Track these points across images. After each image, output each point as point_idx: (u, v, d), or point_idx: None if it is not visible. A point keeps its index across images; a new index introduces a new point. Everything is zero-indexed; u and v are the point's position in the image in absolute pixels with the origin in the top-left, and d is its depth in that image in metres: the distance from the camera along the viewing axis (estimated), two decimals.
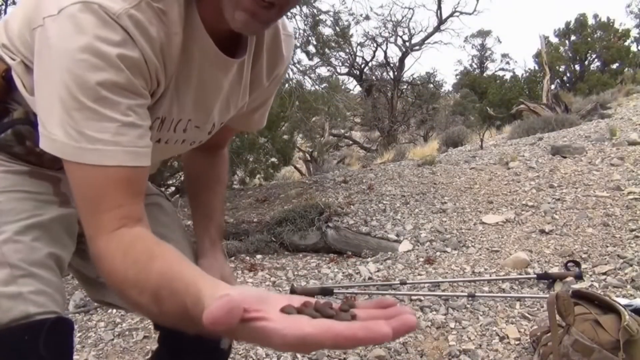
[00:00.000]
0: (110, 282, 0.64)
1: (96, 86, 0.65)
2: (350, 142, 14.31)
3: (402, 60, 13.26)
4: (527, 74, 18.00)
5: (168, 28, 0.72)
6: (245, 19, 0.70)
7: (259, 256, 3.19)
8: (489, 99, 16.02)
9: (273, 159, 5.67)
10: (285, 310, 0.46)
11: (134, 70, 0.68)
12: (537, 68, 17.42)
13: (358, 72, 13.69)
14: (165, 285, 0.55)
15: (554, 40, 18.56)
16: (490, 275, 2.51)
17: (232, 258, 3.10)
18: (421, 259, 2.82)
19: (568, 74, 18.55)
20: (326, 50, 5.84)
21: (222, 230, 1.05)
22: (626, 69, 17.75)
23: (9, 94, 0.80)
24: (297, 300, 0.48)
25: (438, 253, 2.91)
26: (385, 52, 13.29)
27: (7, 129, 0.80)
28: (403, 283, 2.42)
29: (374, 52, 13.33)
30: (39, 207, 0.81)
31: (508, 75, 22.77)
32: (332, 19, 5.83)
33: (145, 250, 0.63)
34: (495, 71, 28.86)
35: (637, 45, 22.24)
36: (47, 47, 0.66)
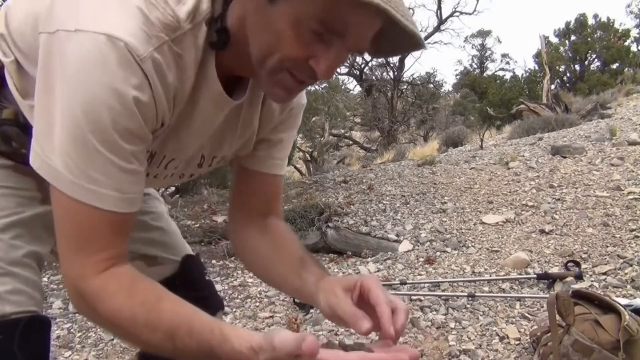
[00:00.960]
0: (112, 320, 0.65)
1: (109, 129, 0.64)
2: (350, 142, 14.31)
3: (402, 60, 13.26)
4: (527, 74, 18.00)
5: (182, 72, 0.70)
6: (284, 95, 0.73)
7: None
8: (489, 99, 16.01)
9: None
10: (328, 345, 0.59)
11: (145, 115, 0.67)
12: (537, 68, 17.42)
13: (358, 72, 13.69)
14: (183, 325, 0.64)
15: (554, 40, 18.58)
16: (490, 275, 2.51)
17: (232, 258, 3.10)
18: (421, 259, 2.82)
19: (568, 74, 18.55)
20: None
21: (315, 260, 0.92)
22: (626, 69, 17.76)
23: None
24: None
25: (438, 253, 2.91)
26: None
27: None
28: (403, 283, 2.42)
29: None
30: (21, 204, 0.80)
31: (508, 75, 22.78)
32: None
33: (149, 290, 0.67)
34: (495, 71, 28.89)
35: (637, 45, 22.27)
36: (61, 66, 0.63)
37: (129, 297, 0.65)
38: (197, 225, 4.00)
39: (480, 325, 1.99)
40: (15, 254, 0.78)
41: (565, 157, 4.57)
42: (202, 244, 3.46)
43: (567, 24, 18.49)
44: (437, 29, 9.17)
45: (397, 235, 3.28)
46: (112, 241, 0.67)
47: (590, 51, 17.89)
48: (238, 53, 0.71)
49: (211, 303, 1.06)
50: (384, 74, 14.07)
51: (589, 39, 17.82)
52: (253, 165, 0.94)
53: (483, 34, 30.40)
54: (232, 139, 0.86)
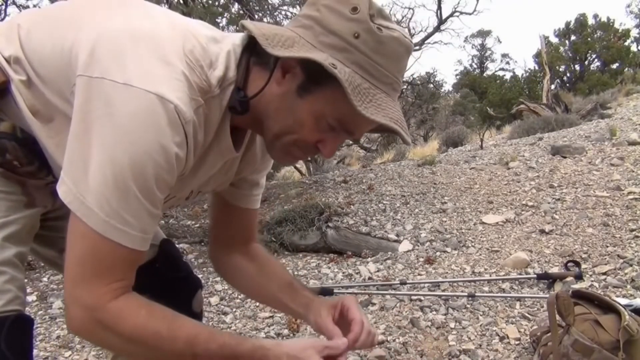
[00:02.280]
0: (136, 335, 0.73)
1: (150, 179, 0.71)
2: (350, 141, 14.30)
3: None
4: (527, 74, 18.01)
5: (207, 130, 0.79)
6: (290, 161, 0.88)
7: None
8: (489, 99, 16.02)
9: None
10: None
11: (178, 169, 0.75)
12: (537, 68, 17.42)
13: None
14: (202, 333, 0.76)
15: (554, 40, 18.57)
16: (490, 275, 2.50)
17: None
18: (421, 259, 2.82)
19: (568, 74, 18.54)
20: None
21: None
22: (626, 69, 17.76)
23: None
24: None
25: (438, 253, 2.91)
26: None
27: None
28: (403, 283, 2.42)
29: None
30: (10, 208, 0.83)
31: (508, 75, 22.81)
32: None
33: (165, 309, 0.76)
34: (495, 71, 28.92)
35: (637, 45, 22.26)
36: (107, 114, 0.68)
37: (149, 314, 0.74)
38: (197, 225, 4.00)
39: (480, 325, 1.99)
40: (6, 254, 0.81)
41: (565, 157, 4.57)
42: (202, 243, 3.46)
43: (567, 24, 18.49)
44: (437, 29, 9.15)
45: (397, 235, 3.28)
46: (128, 273, 0.75)
47: (590, 51, 17.88)
48: (251, 117, 0.81)
49: (191, 282, 1.17)
50: None
51: (589, 39, 17.81)
52: (236, 201, 1.07)
53: (483, 34, 30.42)
54: (218, 178, 0.97)
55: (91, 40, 0.72)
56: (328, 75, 0.72)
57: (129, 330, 0.72)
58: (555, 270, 2.48)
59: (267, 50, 0.73)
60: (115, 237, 0.70)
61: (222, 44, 0.79)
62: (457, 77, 31.66)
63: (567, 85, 18.05)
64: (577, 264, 2.42)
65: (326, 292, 2.32)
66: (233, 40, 0.81)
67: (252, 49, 0.80)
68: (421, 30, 9.41)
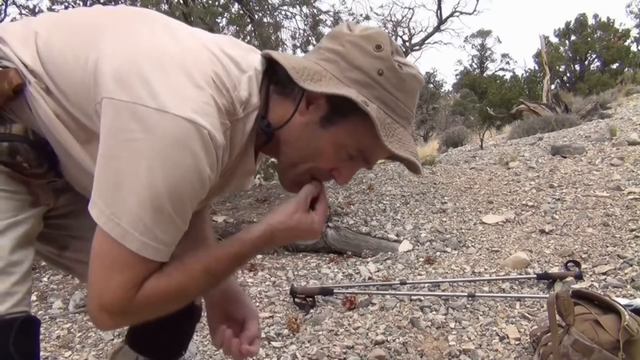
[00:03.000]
0: (164, 300, 0.79)
1: (185, 200, 0.75)
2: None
3: None
4: (527, 74, 18.02)
5: (230, 152, 0.82)
6: (297, 189, 0.87)
7: (259, 256, 3.18)
8: (489, 99, 16.02)
9: (273, 159, 5.66)
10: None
11: (209, 189, 0.79)
12: (537, 68, 17.43)
13: None
14: (210, 260, 0.81)
15: (554, 40, 18.57)
16: (490, 275, 2.50)
17: None
18: (421, 259, 2.82)
19: (568, 74, 18.54)
20: None
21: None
22: (626, 69, 17.75)
23: (7, 103, 0.81)
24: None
25: (438, 253, 2.91)
26: None
27: (3, 140, 0.80)
28: (403, 283, 2.42)
29: None
30: (17, 207, 0.84)
31: (508, 75, 22.80)
32: (332, 19, 5.83)
33: (173, 264, 0.79)
34: (495, 71, 28.94)
35: (637, 45, 22.25)
36: (142, 140, 0.70)
37: (167, 279, 0.78)
38: None
39: (480, 325, 1.99)
40: (16, 255, 0.81)
41: (565, 157, 4.57)
42: None
43: (567, 24, 18.49)
44: (437, 29, 9.16)
45: (397, 235, 3.28)
46: (151, 275, 0.78)
47: (590, 51, 17.88)
48: (272, 143, 0.86)
49: None
50: None
51: (589, 39, 17.81)
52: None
53: (483, 34, 30.42)
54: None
55: (118, 62, 0.74)
56: (352, 109, 0.77)
57: (161, 300, 0.78)
58: (555, 270, 2.48)
59: (299, 84, 0.77)
60: (147, 254, 0.74)
61: (243, 67, 0.82)
62: (457, 77, 31.68)
63: (567, 85, 18.05)
64: (577, 264, 2.42)
65: (326, 292, 2.32)
66: (254, 64, 0.83)
67: (270, 75, 0.84)
68: (421, 30, 9.42)
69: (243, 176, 0.93)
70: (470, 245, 2.98)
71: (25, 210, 0.85)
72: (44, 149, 0.82)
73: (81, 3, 4.97)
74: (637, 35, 22.86)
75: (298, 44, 5.63)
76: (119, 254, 0.73)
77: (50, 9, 4.97)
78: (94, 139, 0.77)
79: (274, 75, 0.84)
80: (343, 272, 2.75)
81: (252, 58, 0.85)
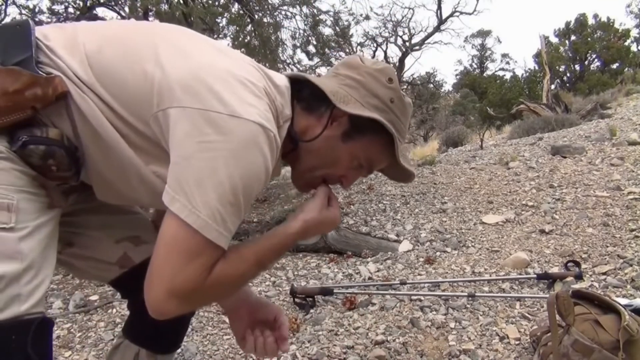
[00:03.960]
0: (225, 284, 0.88)
1: (254, 194, 0.86)
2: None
3: (402, 60, 13.22)
4: (527, 74, 18.02)
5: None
6: (309, 191, 1.05)
7: None
8: (489, 99, 16.02)
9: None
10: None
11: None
12: (537, 68, 17.43)
13: None
14: (258, 251, 0.91)
15: (554, 40, 18.58)
16: (490, 275, 2.50)
17: None
18: (421, 259, 2.82)
19: (568, 74, 18.55)
20: (326, 50, 5.84)
21: None
22: (626, 69, 17.76)
23: (45, 109, 0.84)
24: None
25: (438, 253, 2.91)
26: (385, 52, 13.24)
27: (41, 143, 0.83)
28: (403, 283, 2.42)
29: (374, 52, 13.28)
30: (41, 209, 0.86)
31: (508, 75, 22.81)
32: (332, 19, 5.83)
33: (230, 252, 0.88)
34: (495, 71, 28.93)
35: (637, 45, 22.24)
36: (218, 141, 0.79)
37: (228, 265, 0.86)
38: None
39: (480, 325, 1.99)
40: (40, 256, 0.83)
41: (565, 157, 4.57)
42: None
43: (567, 24, 18.51)
44: (437, 29, 9.17)
45: (397, 235, 3.28)
46: (217, 261, 0.85)
47: (590, 51, 17.89)
48: (295, 150, 0.98)
49: None
50: None
51: (589, 39, 17.81)
52: None
53: (483, 34, 30.41)
54: None
55: (181, 75, 0.83)
56: (369, 128, 0.95)
57: (221, 285, 0.87)
58: (555, 270, 2.48)
59: (336, 105, 0.92)
60: (220, 242, 0.82)
61: (277, 82, 0.94)
62: (457, 77, 31.67)
63: (567, 85, 18.05)
64: (577, 264, 2.42)
65: (326, 292, 2.32)
66: (283, 82, 0.96)
67: (294, 92, 0.97)
68: (421, 30, 9.43)
69: (272, 178, 1.03)
70: (470, 245, 2.98)
71: (46, 212, 0.87)
72: (74, 154, 0.87)
73: (81, 3, 4.97)
74: (637, 35, 22.86)
75: (298, 44, 5.63)
76: (196, 242, 0.80)
77: (50, 9, 4.97)
78: (145, 144, 0.87)
79: (297, 93, 0.97)
80: (343, 272, 2.75)
81: (279, 76, 0.98)
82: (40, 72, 0.82)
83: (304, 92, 0.97)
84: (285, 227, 0.95)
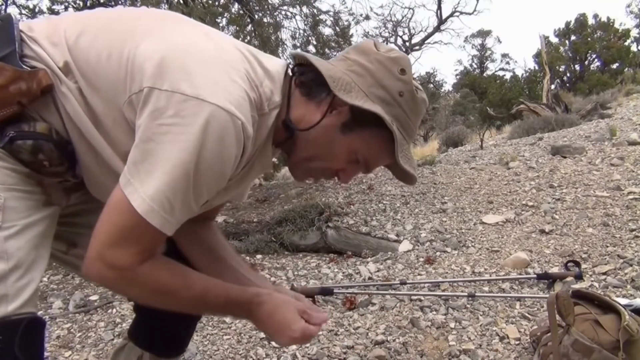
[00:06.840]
0: (157, 290, 0.83)
1: (206, 185, 0.80)
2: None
3: None
4: (527, 74, 18.02)
5: (253, 146, 0.86)
6: (307, 181, 0.96)
7: (259, 256, 3.19)
8: (489, 99, 16.01)
9: (273, 159, 5.66)
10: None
11: (229, 177, 0.83)
12: (537, 68, 17.43)
13: None
14: (209, 285, 0.88)
15: (554, 40, 18.57)
16: (490, 275, 2.50)
17: None
18: (421, 259, 2.82)
19: (568, 74, 18.54)
20: (326, 50, 5.84)
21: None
22: (626, 69, 17.75)
23: (32, 103, 0.82)
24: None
25: (438, 253, 2.91)
26: None
27: (28, 138, 0.81)
28: (403, 283, 2.42)
29: None
30: (32, 207, 0.85)
31: (508, 75, 22.81)
32: (332, 19, 5.83)
33: (181, 267, 0.87)
34: (495, 71, 28.93)
35: (637, 45, 22.24)
36: (179, 124, 0.75)
37: (170, 273, 0.84)
38: None
39: (480, 325, 1.99)
40: (30, 255, 0.82)
41: (565, 157, 4.57)
42: None
43: (567, 24, 18.49)
44: (437, 29, 9.18)
45: (397, 235, 3.28)
46: (157, 248, 0.84)
47: (590, 51, 17.88)
48: (290, 139, 0.91)
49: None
50: None
51: (589, 39, 17.80)
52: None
53: (483, 34, 30.40)
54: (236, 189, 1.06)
55: (158, 55, 0.78)
56: (370, 122, 0.86)
57: (153, 287, 0.83)
58: (555, 270, 2.48)
59: (335, 93, 0.84)
60: (165, 229, 0.79)
61: (267, 67, 0.88)
62: (457, 77, 31.67)
63: (567, 85, 18.05)
64: (577, 264, 2.42)
65: (326, 292, 2.32)
66: (276, 66, 0.90)
67: (291, 77, 0.91)
68: (421, 30, 9.43)
69: (260, 171, 0.99)
70: (470, 245, 2.98)
71: (40, 210, 0.86)
72: (65, 148, 0.85)
73: (81, 3, 4.97)
74: (637, 35, 22.86)
75: (298, 44, 5.63)
76: (138, 226, 0.77)
77: (50, 9, 4.96)
78: (124, 137, 0.82)
79: (300, 76, 0.90)
80: (343, 272, 2.75)
81: (274, 61, 0.92)
82: (24, 67, 0.80)
83: (307, 76, 0.89)
84: (248, 291, 0.92)
